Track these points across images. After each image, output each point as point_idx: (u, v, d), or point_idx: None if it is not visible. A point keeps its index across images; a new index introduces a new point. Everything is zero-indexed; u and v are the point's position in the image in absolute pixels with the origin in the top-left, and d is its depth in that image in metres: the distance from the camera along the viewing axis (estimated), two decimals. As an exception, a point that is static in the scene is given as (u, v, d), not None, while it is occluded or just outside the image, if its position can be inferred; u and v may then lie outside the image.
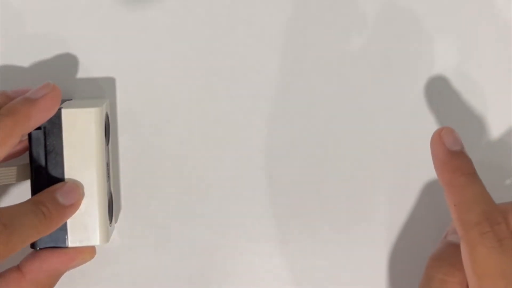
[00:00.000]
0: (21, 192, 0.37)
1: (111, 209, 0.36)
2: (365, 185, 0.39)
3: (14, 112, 0.32)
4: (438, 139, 0.34)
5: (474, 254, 0.31)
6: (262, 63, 0.38)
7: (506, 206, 0.33)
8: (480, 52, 0.39)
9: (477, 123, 0.39)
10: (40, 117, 0.33)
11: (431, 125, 0.39)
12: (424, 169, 0.38)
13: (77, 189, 0.34)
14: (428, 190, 0.39)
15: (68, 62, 0.37)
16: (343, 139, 0.39)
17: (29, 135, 0.34)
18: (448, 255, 0.34)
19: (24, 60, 0.37)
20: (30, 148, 0.34)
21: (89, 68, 0.37)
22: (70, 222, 0.34)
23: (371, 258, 0.39)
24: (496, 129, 0.39)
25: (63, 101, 0.35)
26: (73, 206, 0.34)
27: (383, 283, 0.39)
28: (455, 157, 0.33)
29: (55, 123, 0.34)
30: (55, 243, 0.34)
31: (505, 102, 0.39)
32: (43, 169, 0.34)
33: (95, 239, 0.35)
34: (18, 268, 0.34)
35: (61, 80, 0.37)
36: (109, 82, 0.37)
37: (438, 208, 0.39)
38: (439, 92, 0.39)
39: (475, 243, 0.31)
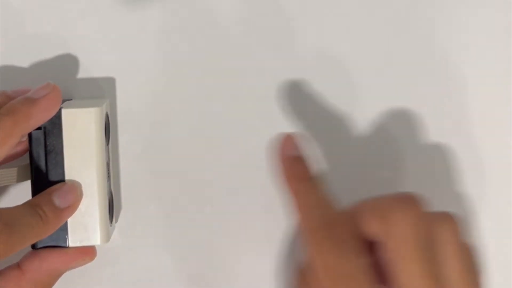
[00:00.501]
0: (21, 192, 0.37)
1: (112, 209, 0.36)
2: (365, 185, 0.39)
3: (14, 112, 0.32)
4: (279, 147, 0.34)
5: (318, 259, 0.31)
6: (262, 63, 0.38)
7: (365, 204, 0.33)
8: (480, 52, 0.39)
9: (476, 122, 0.39)
10: (40, 117, 0.33)
11: (431, 125, 0.39)
12: (424, 169, 0.39)
13: (74, 191, 0.34)
14: (428, 189, 0.39)
15: (68, 62, 0.37)
16: (343, 139, 0.39)
17: (29, 135, 0.34)
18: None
19: (24, 60, 0.37)
20: (30, 148, 0.34)
21: (89, 68, 0.37)
22: (70, 222, 0.34)
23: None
24: (495, 128, 0.39)
25: (63, 101, 0.35)
26: (70, 208, 0.34)
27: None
28: (293, 164, 0.33)
29: (55, 123, 0.34)
30: (56, 243, 0.34)
31: (504, 102, 0.39)
32: (43, 169, 0.34)
33: (95, 239, 0.35)
34: (18, 266, 0.34)
35: (61, 80, 0.37)
36: (109, 82, 0.37)
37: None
38: (439, 92, 0.39)
39: (317, 248, 0.31)
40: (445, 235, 0.31)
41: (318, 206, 0.32)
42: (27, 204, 0.33)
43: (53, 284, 0.35)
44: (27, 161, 0.35)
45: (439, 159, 0.39)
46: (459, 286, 0.30)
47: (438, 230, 0.31)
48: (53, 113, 0.33)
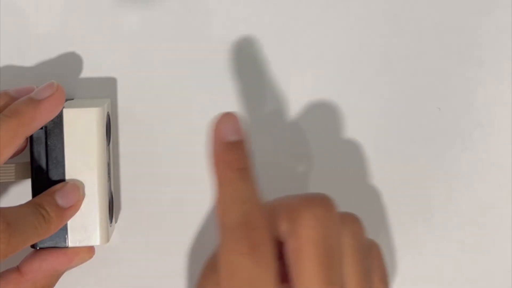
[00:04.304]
0: (22, 191, 0.37)
1: (112, 209, 0.36)
2: (365, 186, 0.39)
3: (18, 114, 0.32)
4: (216, 128, 0.30)
5: (226, 259, 0.28)
6: (262, 63, 0.38)
7: (279, 203, 0.30)
8: (480, 51, 0.39)
9: (477, 122, 0.39)
10: (44, 118, 0.33)
11: (431, 125, 0.39)
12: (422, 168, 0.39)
13: (77, 190, 0.34)
14: (428, 188, 0.39)
15: (69, 61, 0.37)
16: (343, 139, 0.39)
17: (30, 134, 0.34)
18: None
19: (25, 60, 0.37)
20: (31, 147, 0.34)
21: (90, 68, 0.37)
22: (70, 222, 0.34)
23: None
24: (497, 128, 0.39)
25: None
26: (73, 208, 0.34)
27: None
28: (228, 150, 0.29)
29: (57, 122, 0.34)
30: (55, 243, 0.34)
31: (506, 103, 0.39)
32: (44, 169, 0.34)
33: (95, 239, 0.35)
34: (17, 268, 0.34)
35: (63, 80, 0.36)
36: (110, 82, 0.37)
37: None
38: (439, 92, 0.39)
39: (229, 247, 0.28)
40: (347, 237, 0.29)
41: (242, 201, 0.28)
42: (30, 203, 0.33)
43: (53, 285, 0.35)
44: (26, 159, 0.35)
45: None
46: None
47: (342, 232, 0.29)
48: (56, 113, 0.33)
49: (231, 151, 0.29)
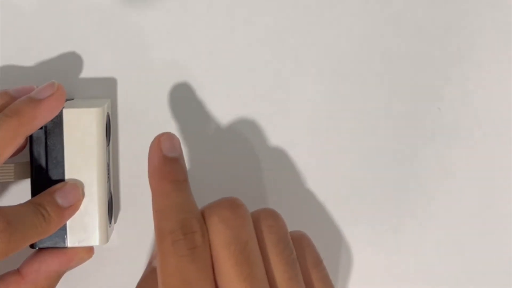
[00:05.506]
0: (21, 191, 0.36)
1: (111, 209, 0.36)
2: (365, 186, 0.39)
3: (19, 113, 0.32)
4: (156, 144, 0.32)
5: (164, 263, 0.29)
6: (262, 63, 0.38)
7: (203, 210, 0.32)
8: (480, 51, 0.39)
9: (477, 122, 0.39)
10: (44, 117, 0.33)
11: (431, 125, 0.39)
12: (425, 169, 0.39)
13: (77, 190, 0.34)
14: (427, 187, 0.39)
15: (69, 62, 0.37)
16: (344, 139, 0.39)
17: (30, 134, 0.34)
18: (152, 283, 0.33)
19: (25, 60, 0.37)
20: (30, 147, 0.34)
21: (90, 68, 0.37)
22: (69, 222, 0.34)
23: (374, 259, 0.39)
24: (497, 128, 0.39)
25: (64, 100, 0.35)
26: (73, 208, 0.34)
27: (382, 285, 0.39)
28: (167, 163, 0.31)
29: (57, 122, 0.34)
30: (55, 243, 0.34)
31: (506, 103, 0.39)
32: (43, 169, 0.34)
33: (94, 240, 0.35)
34: (17, 271, 0.34)
35: (63, 80, 0.36)
36: (110, 82, 0.37)
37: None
38: (439, 92, 0.39)
39: (167, 251, 0.29)
40: (265, 232, 0.31)
41: (180, 209, 0.30)
42: (29, 203, 0.33)
43: (53, 286, 0.35)
44: (25, 158, 0.34)
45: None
46: (282, 282, 0.30)
47: (260, 228, 0.31)
48: (56, 113, 0.33)
49: (170, 165, 0.31)
